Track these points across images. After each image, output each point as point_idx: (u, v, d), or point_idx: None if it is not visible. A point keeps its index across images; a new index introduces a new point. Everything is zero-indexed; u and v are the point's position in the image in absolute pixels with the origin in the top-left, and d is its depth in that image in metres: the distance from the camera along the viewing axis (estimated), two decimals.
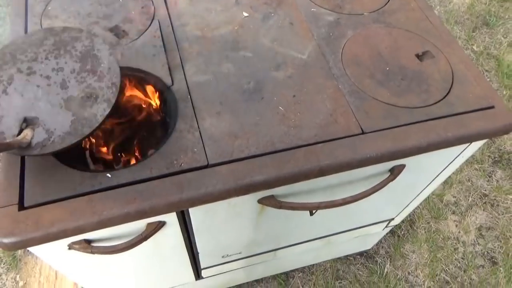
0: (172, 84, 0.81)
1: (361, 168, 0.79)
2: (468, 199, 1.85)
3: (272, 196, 0.81)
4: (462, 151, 0.91)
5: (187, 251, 0.95)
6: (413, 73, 0.88)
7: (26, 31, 0.88)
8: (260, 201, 0.81)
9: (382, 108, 0.81)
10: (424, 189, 1.08)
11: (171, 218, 0.77)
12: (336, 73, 0.86)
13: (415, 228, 1.76)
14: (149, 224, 0.75)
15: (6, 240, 0.62)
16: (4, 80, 0.66)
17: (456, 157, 0.94)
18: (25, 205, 0.65)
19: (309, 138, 0.76)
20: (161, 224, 0.77)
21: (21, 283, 1.51)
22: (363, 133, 0.78)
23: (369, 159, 0.76)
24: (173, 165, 0.71)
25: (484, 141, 0.90)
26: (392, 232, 1.75)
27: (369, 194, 0.85)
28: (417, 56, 0.91)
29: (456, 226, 1.79)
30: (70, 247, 0.72)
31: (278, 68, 0.86)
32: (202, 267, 1.11)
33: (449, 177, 1.90)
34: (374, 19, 0.97)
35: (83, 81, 0.67)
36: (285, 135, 0.76)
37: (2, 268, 1.57)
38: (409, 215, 1.78)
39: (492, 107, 0.84)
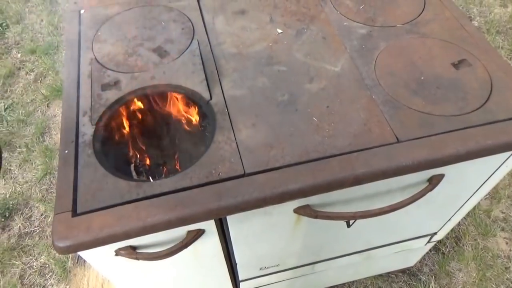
0: (211, 98, 0.85)
1: (398, 177, 0.78)
2: None
3: (307, 206, 0.82)
4: (505, 160, 0.88)
5: (226, 261, 0.97)
6: (449, 82, 0.87)
7: (79, 56, 0.96)
8: (296, 210, 0.82)
9: (417, 117, 0.81)
10: (467, 201, 1.05)
11: (210, 226, 0.80)
12: (369, 83, 0.87)
13: (461, 245, 1.69)
14: (189, 232, 0.79)
15: (61, 244, 0.67)
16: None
17: (499, 167, 0.91)
18: (78, 211, 0.71)
19: (343, 147, 0.77)
20: (201, 232, 0.80)
21: None
22: (398, 141, 0.78)
23: (405, 168, 0.76)
24: (211, 174, 0.74)
25: None
26: (436, 249, 1.68)
27: (407, 204, 0.84)
28: (453, 65, 0.90)
29: (507, 243, 1.69)
30: (117, 253, 0.77)
31: (311, 80, 0.88)
32: (240, 279, 1.13)
33: (497, 192, 1.81)
34: (407, 30, 0.98)
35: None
36: (319, 145, 0.78)
37: (53, 279, 1.66)
38: (454, 231, 1.71)
39: None
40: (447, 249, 1.67)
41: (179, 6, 1.05)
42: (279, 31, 0.98)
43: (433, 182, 0.85)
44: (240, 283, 1.16)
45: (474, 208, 1.76)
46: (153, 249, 0.78)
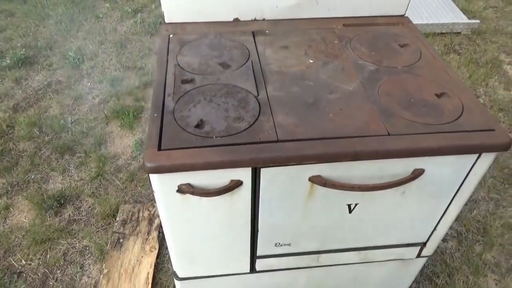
0: (258, 95, 1.20)
1: (388, 164, 1.08)
2: (510, 262, 1.93)
3: (319, 176, 1.11)
4: (473, 166, 1.16)
5: (251, 225, 1.24)
6: (431, 105, 1.19)
7: (167, 62, 1.35)
8: (311, 178, 1.12)
9: (404, 122, 1.13)
10: (448, 207, 1.30)
11: (247, 178, 1.09)
12: (372, 99, 1.21)
13: (453, 279, 1.86)
14: (232, 180, 1.08)
15: (149, 164, 0.99)
16: (195, 101, 1.18)
17: (469, 173, 1.18)
18: (161, 148, 1.03)
19: (348, 133, 1.09)
20: (239, 183, 1.09)
21: (105, 271, 1.83)
22: (389, 135, 1.09)
23: (391, 152, 1.06)
24: (255, 138, 1.06)
25: (491, 158, 1.15)
26: (430, 279, 1.85)
27: (393, 186, 1.12)
28: (436, 95, 1.23)
29: (496, 284, 1.85)
30: (179, 188, 1.07)
31: (331, 92, 1.23)
32: (258, 254, 1.37)
33: (490, 239, 2.00)
34: (405, 71, 1.33)
35: (237, 110, 1.15)
36: (332, 130, 1.10)
37: (91, 259, 1.91)
38: (448, 266, 1.89)
39: (493, 129, 1.12)
40: (441, 281, 1.85)
41: (241, 39, 1.46)
42: (311, 61, 1.35)
43: (415, 173, 1.14)
44: (256, 260, 1.40)
45: (467, 250, 1.95)
46: (204, 188, 1.08)
